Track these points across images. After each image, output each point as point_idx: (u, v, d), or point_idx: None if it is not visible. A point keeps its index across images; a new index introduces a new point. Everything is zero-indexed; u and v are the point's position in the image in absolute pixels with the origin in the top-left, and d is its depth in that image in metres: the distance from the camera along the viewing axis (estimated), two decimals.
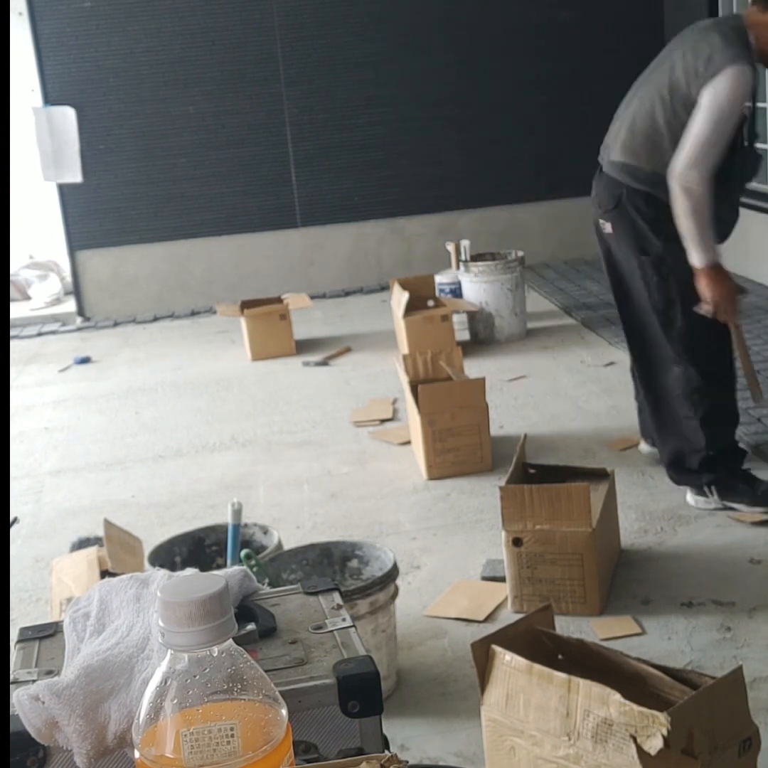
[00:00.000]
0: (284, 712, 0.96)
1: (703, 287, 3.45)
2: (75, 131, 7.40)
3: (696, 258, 3.44)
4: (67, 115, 7.38)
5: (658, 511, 3.71)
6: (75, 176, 7.48)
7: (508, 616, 3.07)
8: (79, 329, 7.55)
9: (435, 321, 5.74)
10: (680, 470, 3.77)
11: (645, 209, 3.54)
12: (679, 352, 3.60)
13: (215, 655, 0.94)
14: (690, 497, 3.75)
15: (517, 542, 3.07)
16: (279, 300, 6.51)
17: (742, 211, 7.26)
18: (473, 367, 5.28)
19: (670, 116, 3.43)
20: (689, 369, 3.60)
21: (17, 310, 7.86)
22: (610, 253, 3.72)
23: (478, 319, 6.11)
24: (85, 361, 6.64)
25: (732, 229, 3.74)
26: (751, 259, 6.77)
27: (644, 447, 4.19)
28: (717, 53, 3.35)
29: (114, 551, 2.97)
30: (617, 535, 3.42)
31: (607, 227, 3.66)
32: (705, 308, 3.49)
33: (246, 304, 6.41)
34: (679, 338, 3.59)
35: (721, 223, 3.57)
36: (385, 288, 7.46)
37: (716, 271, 3.46)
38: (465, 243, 6.30)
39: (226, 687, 0.94)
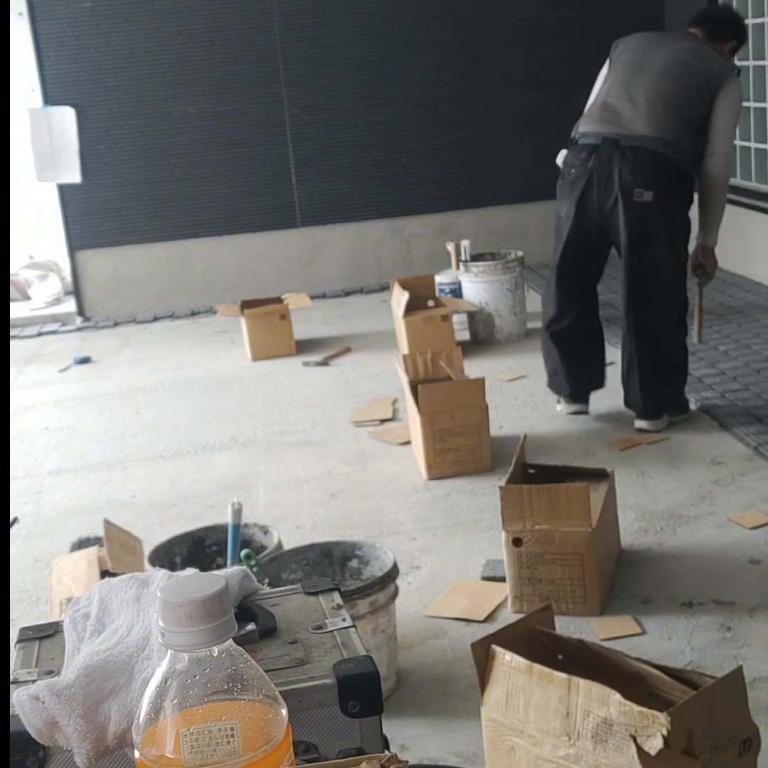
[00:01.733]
0: (284, 712, 0.97)
1: (706, 259, 4.47)
2: (74, 131, 7.40)
3: (713, 238, 4.41)
4: (66, 115, 7.38)
5: (658, 511, 3.71)
6: (74, 176, 7.48)
7: (508, 616, 3.07)
8: (79, 329, 7.55)
9: (435, 321, 5.73)
10: (666, 399, 4.47)
11: (682, 185, 4.22)
12: (677, 298, 4.35)
13: (215, 655, 0.94)
14: (644, 423, 4.45)
15: (517, 542, 3.07)
16: (279, 300, 6.51)
17: (742, 211, 7.30)
18: (473, 367, 5.28)
19: (694, 102, 4.14)
20: (681, 312, 4.39)
21: (17, 310, 7.86)
22: (633, 221, 4.17)
23: (478, 319, 6.11)
24: (85, 361, 6.64)
25: None
26: (750, 259, 6.77)
27: (573, 406, 4.68)
28: (722, 65, 4.23)
29: (114, 551, 2.97)
30: (617, 535, 3.43)
31: (647, 195, 4.14)
32: (703, 275, 4.57)
33: (246, 304, 6.41)
34: (678, 290, 4.34)
35: None
36: (385, 288, 7.46)
37: (713, 249, 4.48)
38: (465, 243, 6.30)
39: (226, 687, 0.94)
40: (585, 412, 4.67)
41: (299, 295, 6.72)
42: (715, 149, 4.19)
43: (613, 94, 4.27)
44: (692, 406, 4.64)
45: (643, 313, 4.37)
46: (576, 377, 4.63)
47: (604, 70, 4.47)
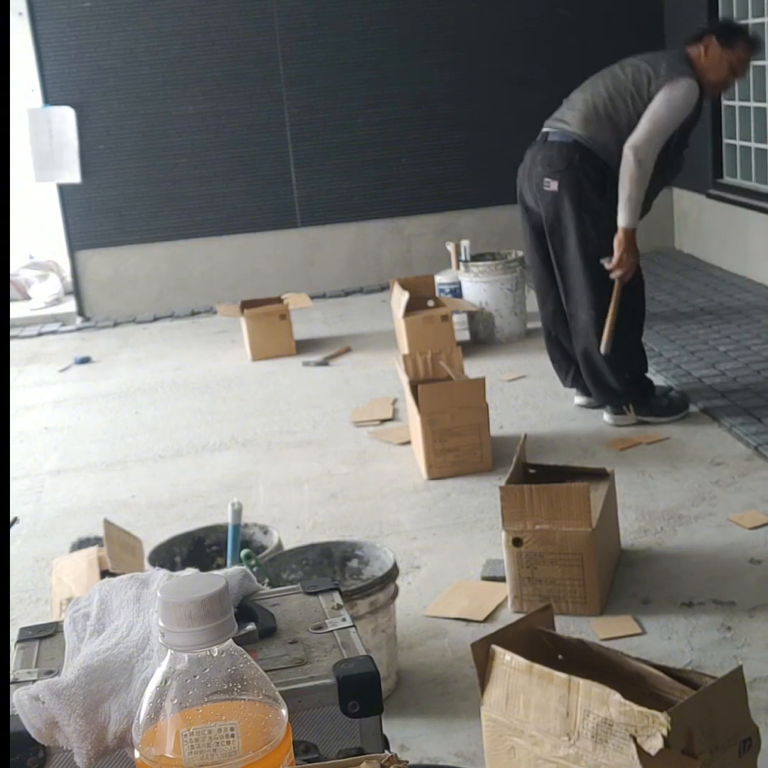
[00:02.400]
0: (284, 712, 0.97)
1: (620, 245, 4.20)
2: (74, 131, 7.39)
3: (625, 219, 4.17)
4: (66, 115, 7.38)
5: (658, 511, 3.71)
6: (73, 176, 7.48)
7: (508, 616, 3.07)
8: (79, 329, 7.55)
9: (435, 321, 5.73)
10: (604, 391, 4.50)
11: (593, 173, 4.24)
12: (592, 291, 4.33)
13: (215, 655, 0.94)
14: (607, 417, 4.56)
15: (517, 542, 3.07)
16: (279, 300, 6.51)
17: (742, 211, 7.30)
18: (473, 367, 5.28)
19: (630, 106, 4.19)
20: (598, 306, 4.32)
21: (17, 310, 7.86)
22: (548, 210, 4.33)
23: (478, 319, 6.11)
24: (85, 361, 6.64)
25: (644, 215, 4.39)
26: (751, 259, 6.77)
27: (578, 399, 4.81)
28: (677, 66, 4.19)
29: (114, 551, 2.97)
30: (617, 535, 3.43)
31: (553, 185, 4.29)
32: (611, 263, 4.25)
33: (246, 304, 6.40)
34: (603, 284, 4.28)
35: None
36: (385, 288, 7.46)
37: (633, 234, 4.22)
38: (465, 243, 6.29)
39: (226, 687, 0.94)
40: (596, 406, 4.69)
41: (299, 295, 6.72)
42: (635, 136, 4.14)
43: (568, 99, 4.50)
44: (694, 408, 4.62)
45: (567, 304, 4.51)
46: (577, 370, 4.71)
47: None
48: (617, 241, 4.19)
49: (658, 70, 4.20)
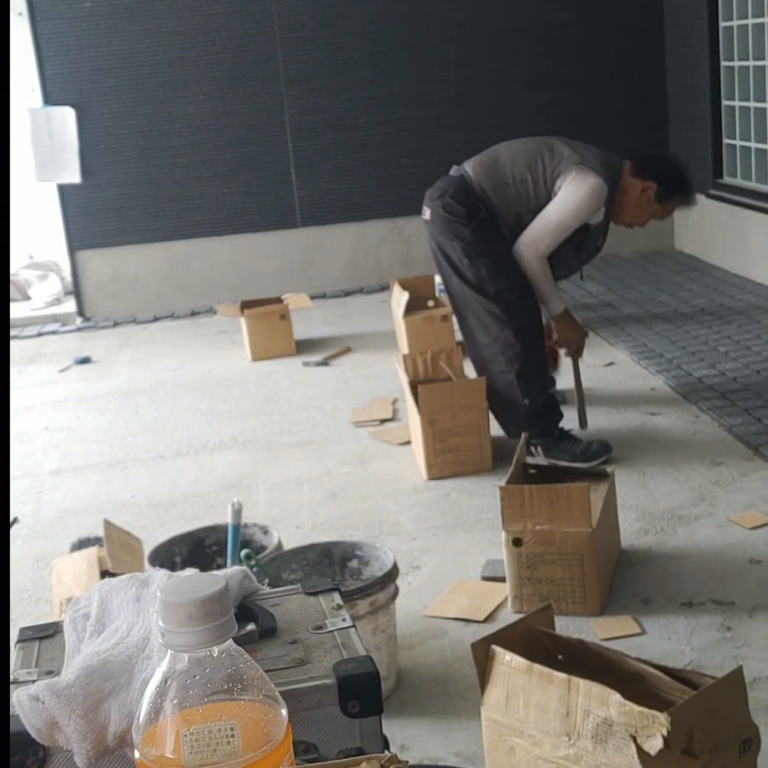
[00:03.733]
0: (284, 712, 0.96)
1: (557, 331, 4.32)
2: (74, 131, 7.40)
3: (548, 309, 4.27)
4: (67, 115, 7.38)
5: (658, 511, 3.71)
6: (74, 176, 7.48)
7: (508, 616, 3.07)
8: (79, 329, 7.55)
9: (435, 321, 5.74)
10: (511, 426, 4.31)
11: (459, 206, 4.20)
12: (495, 316, 4.20)
13: (215, 655, 0.94)
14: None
15: (517, 542, 3.07)
16: (279, 300, 6.51)
17: (742, 211, 7.29)
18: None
19: (527, 180, 4.13)
20: (505, 330, 4.20)
21: (17, 310, 7.86)
22: (429, 239, 4.38)
23: None
24: (85, 361, 6.64)
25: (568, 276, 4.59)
26: (751, 259, 6.77)
27: None
28: (590, 165, 4.06)
29: (114, 551, 2.97)
30: (617, 535, 3.43)
31: (427, 214, 4.33)
32: (559, 347, 4.42)
33: (246, 305, 6.40)
34: (494, 305, 4.19)
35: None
36: (385, 288, 7.46)
37: (566, 317, 4.29)
38: None
39: (226, 687, 0.94)
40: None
41: (299, 295, 6.72)
42: (526, 235, 4.11)
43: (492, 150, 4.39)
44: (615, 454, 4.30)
45: (462, 330, 4.45)
46: None
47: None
48: (555, 329, 4.33)
49: (570, 165, 4.09)
